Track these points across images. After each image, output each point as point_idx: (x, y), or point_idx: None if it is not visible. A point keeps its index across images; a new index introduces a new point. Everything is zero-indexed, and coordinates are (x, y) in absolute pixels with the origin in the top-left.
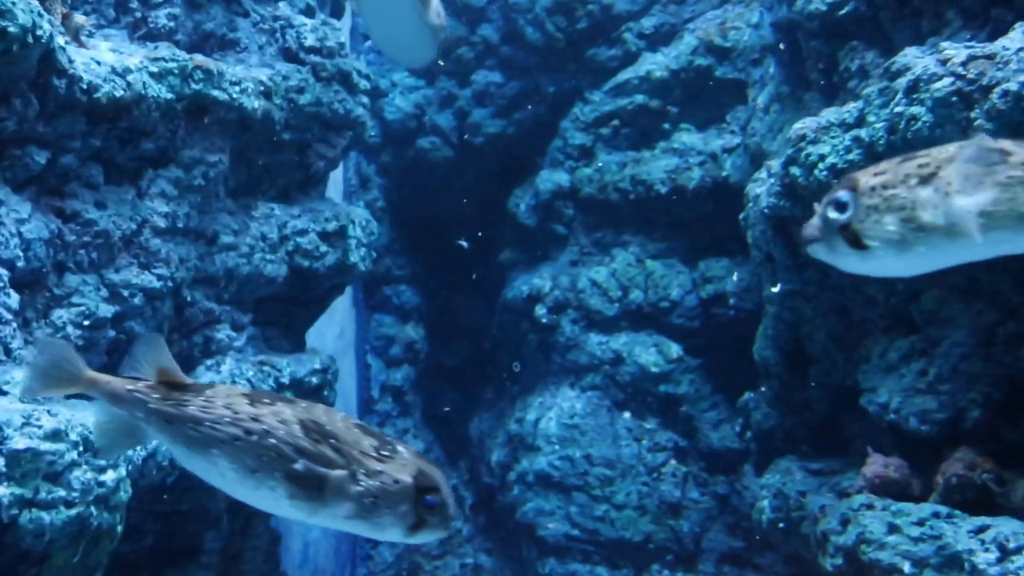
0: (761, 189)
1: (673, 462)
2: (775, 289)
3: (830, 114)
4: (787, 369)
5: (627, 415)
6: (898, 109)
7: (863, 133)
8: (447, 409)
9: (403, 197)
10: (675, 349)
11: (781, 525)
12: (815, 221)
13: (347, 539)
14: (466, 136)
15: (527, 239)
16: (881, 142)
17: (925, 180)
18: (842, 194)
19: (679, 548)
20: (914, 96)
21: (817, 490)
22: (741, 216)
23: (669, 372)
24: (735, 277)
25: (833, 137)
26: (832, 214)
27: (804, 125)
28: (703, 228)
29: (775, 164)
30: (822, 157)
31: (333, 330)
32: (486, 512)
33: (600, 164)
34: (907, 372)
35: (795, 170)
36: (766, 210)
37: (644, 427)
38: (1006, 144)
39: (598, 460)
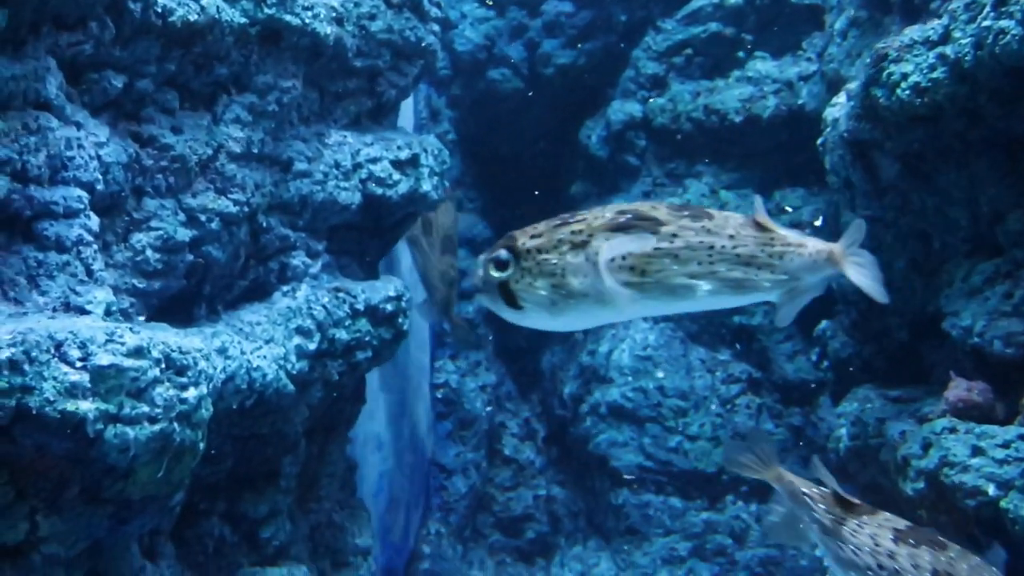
0: (840, 113)
1: (747, 394)
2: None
3: (913, 32)
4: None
5: (700, 347)
6: (986, 23)
7: (948, 50)
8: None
9: (473, 130)
10: None
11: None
12: (479, 272)
13: (421, 470)
14: (536, 67)
15: (598, 171)
16: (967, 58)
17: (577, 247)
18: (502, 253)
19: (752, 479)
20: (1003, 9)
21: (896, 417)
22: (819, 141)
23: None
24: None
25: (917, 55)
26: (492, 271)
27: (886, 44)
28: (778, 158)
29: (854, 86)
30: (905, 76)
31: (405, 262)
32: (558, 444)
33: (673, 94)
34: (991, 295)
35: (876, 91)
36: (845, 134)
37: (717, 358)
38: (661, 212)
39: (671, 391)
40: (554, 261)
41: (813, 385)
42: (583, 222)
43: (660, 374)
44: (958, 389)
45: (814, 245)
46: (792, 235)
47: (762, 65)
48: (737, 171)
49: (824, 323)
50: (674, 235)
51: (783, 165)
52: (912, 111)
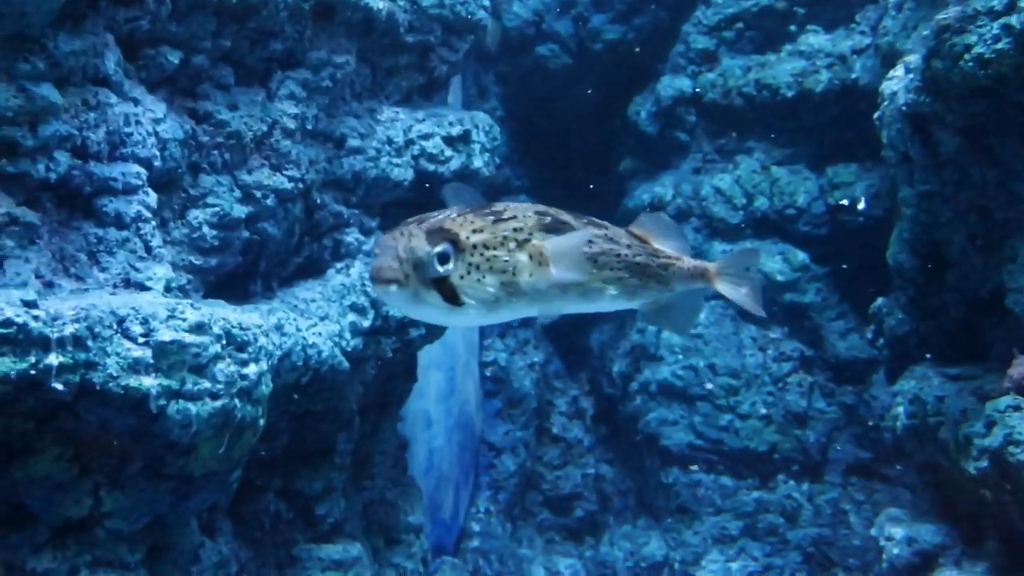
0: (898, 86)
1: (799, 372)
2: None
3: (976, 2)
4: (923, 273)
5: (751, 325)
6: None
7: (1014, 20)
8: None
9: (521, 106)
10: (801, 257)
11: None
12: (392, 264)
13: (470, 448)
14: (585, 43)
15: (648, 147)
16: None
17: (521, 245)
18: (444, 247)
19: (804, 459)
20: None
21: (957, 395)
22: (875, 116)
23: (795, 280)
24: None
25: (980, 26)
26: (436, 265)
27: (947, 15)
28: (830, 133)
29: (914, 59)
30: (968, 47)
31: None
32: (607, 423)
33: (723, 68)
34: None
35: (937, 63)
36: (904, 107)
37: (769, 336)
38: (567, 217)
39: (722, 370)
40: (505, 258)
41: (866, 363)
42: (516, 219)
43: (710, 352)
44: (1023, 366)
45: (690, 261)
46: (666, 248)
47: (814, 39)
48: (789, 146)
49: (880, 300)
50: (590, 241)
51: (836, 140)
52: (975, 83)
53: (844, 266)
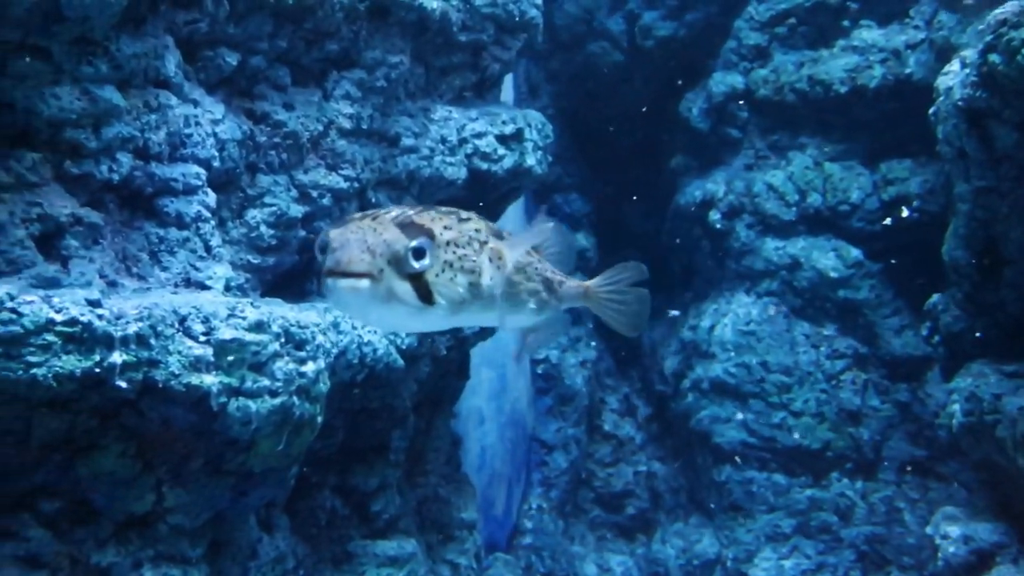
0: (954, 81)
1: (853, 369)
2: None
3: None
4: (979, 270)
5: (804, 321)
6: None
7: None
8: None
9: (572, 104)
10: (855, 253)
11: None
12: (363, 257)
13: (522, 445)
14: (636, 40)
15: (699, 144)
16: None
17: (482, 246)
18: (421, 241)
19: (858, 456)
20: None
21: (1014, 392)
22: (931, 111)
23: (848, 277)
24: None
25: None
26: (412, 260)
27: (1004, 10)
28: (884, 128)
29: (970, 54)
30: None
31: None
32: (658, 420)
33: (776, 64)
34: None
35: (995, 57)
36: (960, 102)
37: (822, 333)
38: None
39: (775, 367)
40: (474, 259)
41: (920, 360)
42: (473, 221)
43: (763, 349)
44: None
45: (573, 280)
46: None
47: (868, 34)
48: (842, 143)
49: (935, 297)
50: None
51: (890, 136)
52: None
53: (898, 262)
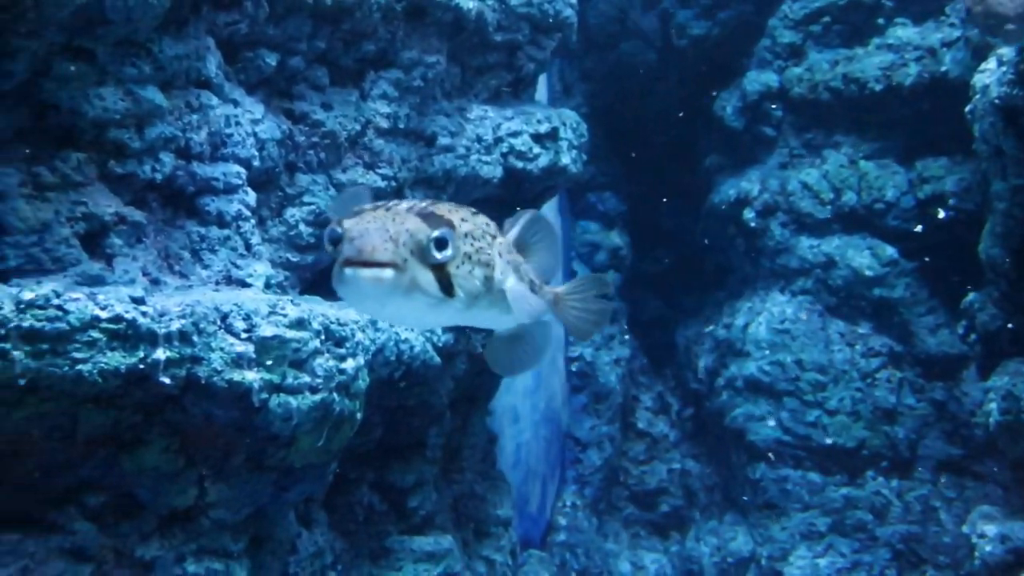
0: (991, 79)
1: (888, 367)
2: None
3: None
4: (1016, 268)
5: (839, 320)
6: None
7: None
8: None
9: (605, 102)
10: (890, 252)
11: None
12: (386, 246)
13: (556, 443)
14: (669, 38)
15: (733, 142)
16: None
17: (492, 240)
18: (445, 230)
19: (894, 455)
20: None
21: None
22: (967, 109)
23: (883, 275)
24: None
25: None
26: (434, 250)
27: None
28: (920, 126)
29: (1007, 51)
30: None
31: None
32: (693, 418)
33: (810, 63)
34: None
35: None
36: (996, 100)
37: (857, 332)
38: None
39: (809, 365)
40: (488, 252)
41: (956, 359)
42: (482, 215)
43: (798, 347)
44: None
45: (547, 287)
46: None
47: (903, 32)
48: (877, 141)
49: (972, 295)
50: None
51: (925, 134)
52: None
53: (933, 261)
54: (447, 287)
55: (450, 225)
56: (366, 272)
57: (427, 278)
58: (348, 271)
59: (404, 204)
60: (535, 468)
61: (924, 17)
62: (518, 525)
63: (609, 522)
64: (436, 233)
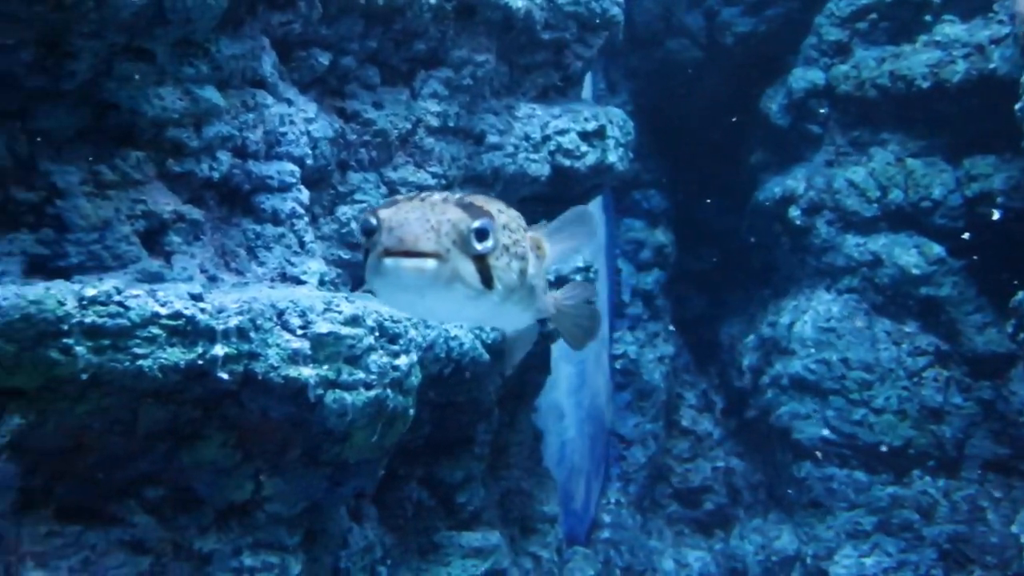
0: None
1: (935, 366)
2: None
3: None
4: None
5: (886, 318)
6: None
7: None
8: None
9: (650, 100)
10: (937, 250)
11: None
12: (429, 235)
13: (601, 440)
14: (715, 36)
15: (779, 140)
16: None
17: (524, 233)
18: (486, 221)
19: (940, 454)
20: None
21: None
22: (1016, 107)
23: (931, 274)
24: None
25: None
26: (475, 241)
27: None
28: (968, 124)
29: None
30: None
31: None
32: (736, 416)
33: (857, 60)
34: None
35: None
36: None
37: (903, 330)
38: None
39: (855, 363)
40: (523, 245)
41: (1005, 358)
42: (512, 208)
43: (844, 346)
44: None
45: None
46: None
47: (951, 29)
48: (924, 138)
49: (1021, 294)
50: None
51: (973, 132)
52: None
53: (981, 259)
54: (487, 279)
55: (490, 216)
56: (408, 262)
57: (469, 269)
58: (388, 261)
59: (436, 195)
60: (579, 465)
61: (972, 14)
62: (563, 522)
63: (653, 519)
64: (478, 223)
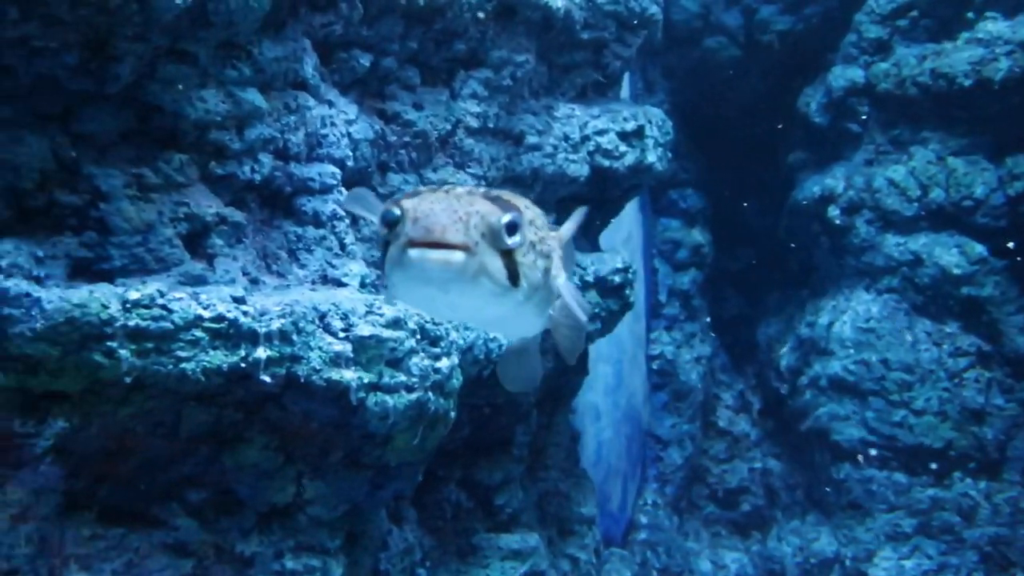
0: None
1: (976, 367)
2: None
3: None
4: None
5: (926, 319)
6: None
7: None
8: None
9: (688, 99)
10: (979, 250)
11: None
12: (458, 226)
13: (637, 441)
14: (753, 34)
15: (817, 139)
16: None
17: (548, 231)
18: (516, 215)
19: (982, 456)
20: None
21: None
22: None
23: (972, 274)
24: None
25: None
26: (505, 235)
27: None
28: (1010, 122)
29: None
30: None
31: (620, 234)
32: (774, 417)
33: (897, 58)
34: None
35: None
36: None
37: (944, 331)
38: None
39: (895, 364)
40: (549, 243)
41: None
42: (535, 205)
43: (884, 347)
44: None
45: None
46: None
47: (993, 26)
48: (966, 137)
49: None
50: None
51: (1016, 130)
52: None
53: None
54: (513, 276)
55: (519, 210)
56: (435, 254)
57: (496, 264)
58: (413, 252)
59: (459, 188)
60: (616, 466)
61: (1015, 11)
62: (599, 523)
63: (689, 520)
64: (508, 217)
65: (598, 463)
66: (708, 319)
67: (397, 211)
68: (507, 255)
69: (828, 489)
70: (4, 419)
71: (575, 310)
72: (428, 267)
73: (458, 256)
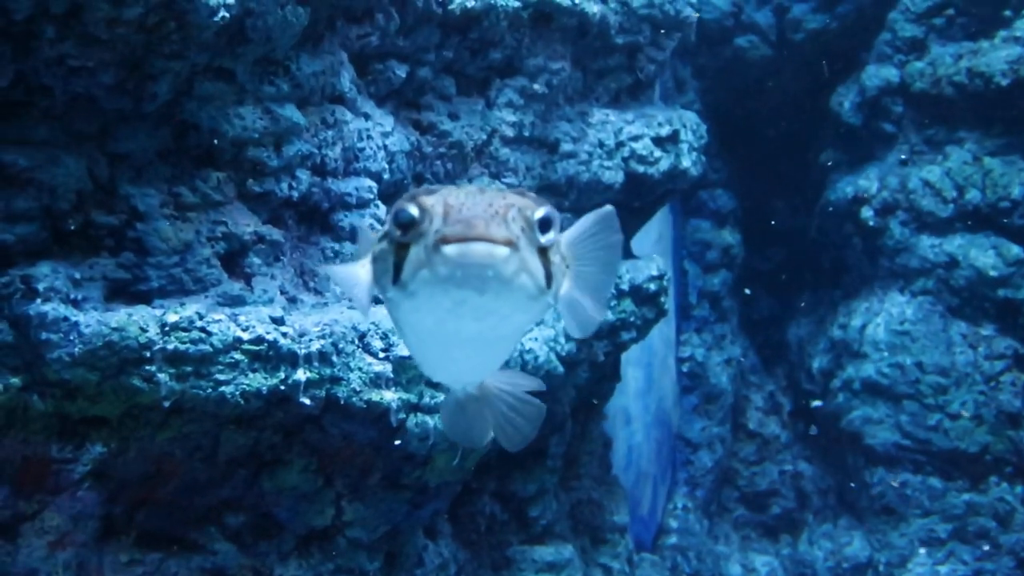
0: None
1: (1012, 371)
2: None
3: None
4: None
5: (962, 321)
6: None
7: None
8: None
9: (719, 99)
10: (1016, 251)
11: None
12: (499, 222)
13: (667, 444)
14: (785, 33)
15: (851, 139)
16: None
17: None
18: (548, 210)
19: (1019, 460)
20: None
21: None
22: None
23: (1009, 276)
24: None
25: None
26: (539, 232)
27: None
28: None
29: None
30: None
31: (651, 235)
32: (804, 419)
33: (932, 57)
34: None
35: None
36: None
37: (980, 334)
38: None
39: (930, 367)
40: (563, 249)
41: None
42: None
43: (918, 349)
44: None
45: None
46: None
47: None
48: (1003, 137)
49: None
50: None
51: None
52: None
53: None
54: (548, 276)
55: (551, 204)
56: (478, 247)
57: (535, 263)
58: (449, 249)
59: (470, 186)
60: (646, 470)
61: None
62: (630, 528)
63: (719, 524)
64: (543, 211)
65: (628, 467)
66: (738, 320)
67: (415, 210)
68: (542, 253)
69: (861, 493)
70: (42, 445)
71: (584, 326)
72: (470, 263)
73: (502, 251)
